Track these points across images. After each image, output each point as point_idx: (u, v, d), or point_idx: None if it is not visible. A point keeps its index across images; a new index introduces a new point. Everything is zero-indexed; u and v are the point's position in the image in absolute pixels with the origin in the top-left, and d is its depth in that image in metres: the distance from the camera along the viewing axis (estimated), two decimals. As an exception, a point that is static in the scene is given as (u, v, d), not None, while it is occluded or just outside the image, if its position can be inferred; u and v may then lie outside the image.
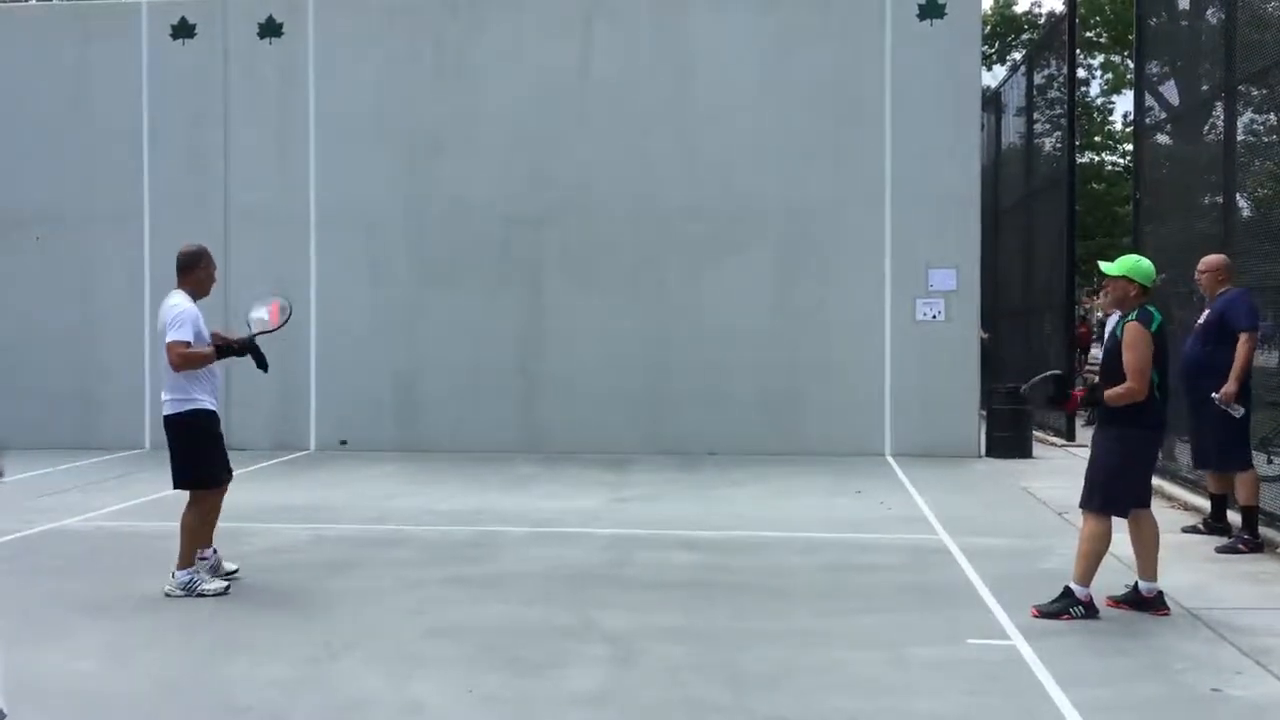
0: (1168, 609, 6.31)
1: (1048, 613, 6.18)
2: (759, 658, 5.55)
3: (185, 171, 14.35)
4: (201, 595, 6.73)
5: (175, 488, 7.00)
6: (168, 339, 6.76)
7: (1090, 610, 6.19)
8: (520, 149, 13.81)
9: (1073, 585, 6.22)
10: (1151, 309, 6.19)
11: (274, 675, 5.32)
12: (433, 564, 7.68)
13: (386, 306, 14.06)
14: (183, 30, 14.37)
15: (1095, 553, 6.23)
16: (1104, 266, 6.46)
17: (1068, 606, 6.18)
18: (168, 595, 6.74)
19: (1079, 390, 6.58)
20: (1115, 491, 6.23)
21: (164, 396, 6.92)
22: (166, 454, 7.04)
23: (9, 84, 14.64)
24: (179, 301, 6.89)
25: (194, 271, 6.97)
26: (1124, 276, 6.24)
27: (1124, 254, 6.64)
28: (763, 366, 13.28)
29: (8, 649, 5.78)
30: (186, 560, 6.85)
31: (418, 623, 6.20)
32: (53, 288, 14.54)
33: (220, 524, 8.35)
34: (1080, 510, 6.38)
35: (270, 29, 14.24)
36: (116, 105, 14.39)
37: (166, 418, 6.89)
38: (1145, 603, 6.32)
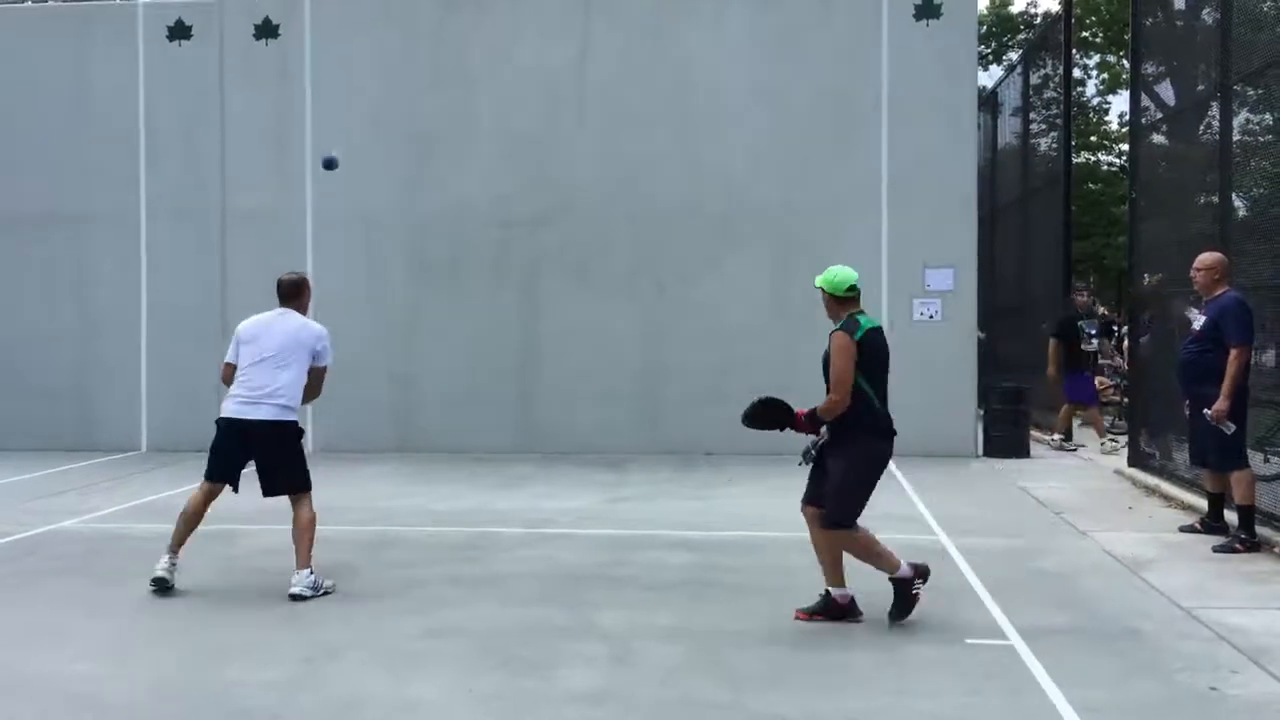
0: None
1: (812, 612, 6.12)
2: (756, 657, 5.55)
3: (182, 172, 14.34)
4: (327, 593, 6.77)
5: (301, 491, 6.98)
6: (327, 361, 7.11)
7: (850, 611, 6.11)
8: (517, 149, 13.80)
9: (830, 589, 6.12)
10: (860, 317, 6.15)
11: (270, 676, 5.32)
12: (430, 564, 7.67)
13: (383, 307, 14.06)
14: (179, 32, 14.36)
15: (837, 557, 6.13)
16: (816, 280, 6.38)
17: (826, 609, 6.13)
18: (296, 598, 6.66)
19: (801, 410, 6.21)
20: (845, 504, 6.06)
21: (280, 402, 6.90)
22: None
23: (6, 84, 14.62)
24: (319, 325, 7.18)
25: (302, 296, 7.22)
26: (820, 288, 6.27)
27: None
28: (759, 366, 13.25)
29: (4, 650, 5.77)
30: (309, 560, 6.86)
31: (415, 623, 6.20)
32: (49, 288, 14.53)
33: (217, 526, 8.35)
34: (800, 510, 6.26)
35: (267, 30, 14.23)
36: (113, 106, 14.37)
37: (287, 424, 6.93)
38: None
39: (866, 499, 6.12)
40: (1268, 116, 9.22)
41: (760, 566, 7.57)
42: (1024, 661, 5.44)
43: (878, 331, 6.19)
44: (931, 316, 13.32)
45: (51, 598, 6.85)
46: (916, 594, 6.05)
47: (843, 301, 6.24)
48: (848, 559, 6.21)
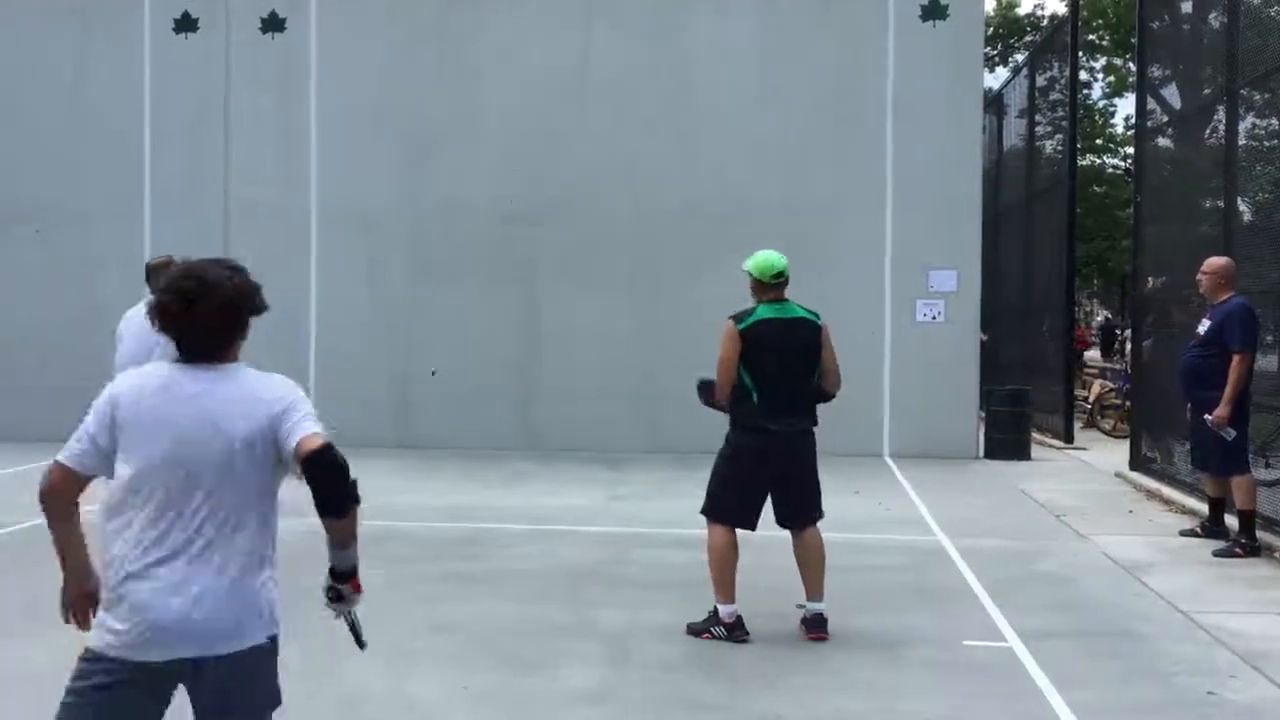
0: (824, 635, 5.78)
1: (694, 630, 5.82)
2: (753, 657, 5.54)
3: (186, 166, 14.34)
4: None
5: None
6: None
7: (734, 631, 5.72)
8: (519, 147, 13.78)
9: (718, 605, 5.79)
10: (765, 306, 5.89)
11: (269, 670, 5.31)
12: (429, 561, 7.67)
13: (385, 303, 14.05)
14: (185, 25, 14.36)
15: (720, 564, 5.78)
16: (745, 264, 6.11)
17: (709, 626, 5.77)
18: None
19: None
20: (718, 497, 5.87)
21: None
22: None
23: (10, 77, 14.62)
24: None
25: None
26: (747, 273, 6.03)
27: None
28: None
29: (3, 641, 5.77)
30: None
31: (413, 619, 6.19)
32: (53, 283, 14.52)
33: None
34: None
35: (273, 24, 14.23)
36: (118, 99, 14.37)
37: None
38: (805, 626, 5.85)
39: (740, 496, 5.80)
40: (1273, 121, 9.21)
41: (758, 566, 7.54)
42: (1022, 664, 5.43)
43: (784, 323, 5.85)
44: (934, 318, 13.30)
45: (49, 590, 6.84)
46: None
47: (767, 287, 5.97)
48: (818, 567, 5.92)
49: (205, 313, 2.88)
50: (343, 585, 3.00)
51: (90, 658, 2.88)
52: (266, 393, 2.90)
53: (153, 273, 6.92)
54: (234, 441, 2.87)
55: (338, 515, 2.86)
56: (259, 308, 2.98)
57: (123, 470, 2.96)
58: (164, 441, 2.88)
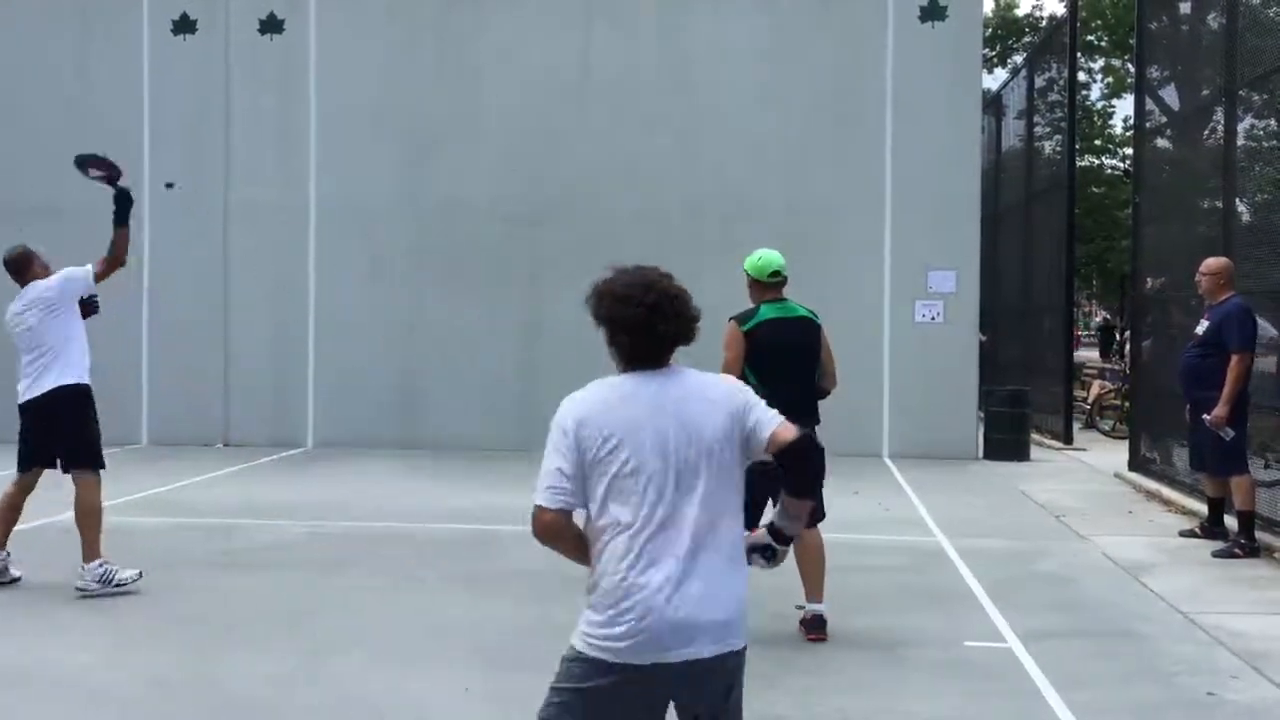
0: (823, 635, 5.77)
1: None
2: (755, 657, 5.48)
3: (185, 167, 14.33)
4: (120, 586, 6.50)
5: (78, 468, 6.75)
6: (92, 274, 7.08)
7: (809, 626, 5.73)
8: (519, 147, 13.79)
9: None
10: (767, 306, 5.87)
11: (270, 671, 5.32)
12: (430, 562, 7.67)
13: (385, 303, 14.05)
14: (184, 26, 14.36)
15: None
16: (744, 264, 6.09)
17: None
18: (81, 593, 6.44)
19: None
20: None
21: (51, 367, 6.87)
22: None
23: (10, 77, 14.60)
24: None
25: (32, 268, 7.04)
26: (745, 273, 6.01)
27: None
28: (761, 367, 13.26)
29: (4, 642, 5.78)
30: (96, 550, 6.57)
31: (415, 620, 6.20)
32: (52, 281, 14.50)
33: (215, 520, 8.33)
34: None
35: (272, 25, 14.23)
36: (118, 99, 14.36)
37: (58, 390, 6.78)
38: (803, 626, 5.85)
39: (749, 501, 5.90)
40: (1272, 122, 9.22)
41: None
42: (1022, 664, 5.44)
43: (787, 323, 5.88)
44: (934, 319, 13.31)
45: (51, 589, 6.85)
46: None
47: (766, 287, 5.98)
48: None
49: (665, 323, 3.04)
50: (781, 546, 3.08)
51: (575, 658, 2.96)
52: (717, 390, 3.02)
53: (13, 265, 7.01)
54: (709, 438, 2.93)
55: (810, 496, 2.99)
56: (698, 312, 3.13)
57: (604, 483, 2.97)
58: (644, 448, 2.93)
